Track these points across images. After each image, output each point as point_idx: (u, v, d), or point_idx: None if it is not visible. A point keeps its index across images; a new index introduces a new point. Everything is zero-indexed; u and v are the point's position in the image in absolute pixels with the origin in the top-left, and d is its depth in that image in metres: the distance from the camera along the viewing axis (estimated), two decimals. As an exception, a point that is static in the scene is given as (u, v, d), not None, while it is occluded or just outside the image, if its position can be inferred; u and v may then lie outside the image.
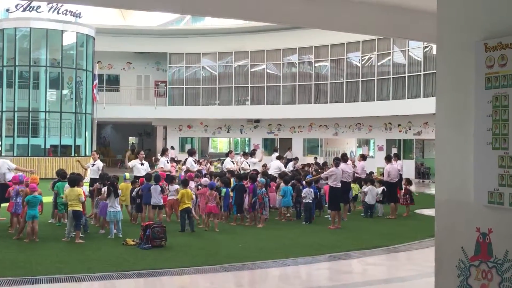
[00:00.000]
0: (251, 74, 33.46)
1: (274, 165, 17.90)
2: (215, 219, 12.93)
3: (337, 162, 14.13)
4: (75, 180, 11.58)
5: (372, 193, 15.54)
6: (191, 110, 34.02)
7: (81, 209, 11.30)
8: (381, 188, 15.80)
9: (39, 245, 10.56)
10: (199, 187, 14.12)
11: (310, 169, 19.47)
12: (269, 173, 16.78)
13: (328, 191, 13.98)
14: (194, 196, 13.23)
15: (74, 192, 11.22)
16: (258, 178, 14.33)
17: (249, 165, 18.64)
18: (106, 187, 11.99)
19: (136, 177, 14.53)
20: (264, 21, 13.56)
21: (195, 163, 17.75)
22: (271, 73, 33.23)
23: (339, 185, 13.79)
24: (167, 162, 17.27)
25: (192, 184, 14.22)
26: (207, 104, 34.43)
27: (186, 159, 18.14)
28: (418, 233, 12.58)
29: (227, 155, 19.46)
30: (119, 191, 12.06)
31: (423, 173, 29.23)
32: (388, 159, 16.33)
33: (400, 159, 17.93)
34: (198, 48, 34.19)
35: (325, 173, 14.79)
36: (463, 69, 4.29)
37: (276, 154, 22.05)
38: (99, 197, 12.56)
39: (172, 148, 28.44)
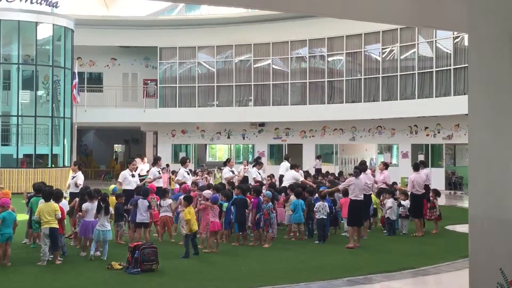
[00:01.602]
0: (254, 70, 33.49)
1: (289, 176, 17.51)
2: (216, 238, 12.89)
3: (357, 172, 14.13)
4: (51, 194, 11.58)
5: (394, 207, 15.49)
6: (185, 113, 34.04)
7: (58, 227, 11.28)
8: (406, 201, 15.76)
9: (11, 270, 10.55)
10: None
11: (324, 180, 19.45)
12: (283, 185, 16.66)
13: (349, 205, 13.95)
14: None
15: (50, 208, 11.22)
16: (264, 191, 14.31)
17: (260, 175, 18.57)
18: (91, 202, 12.00)
19: (126, 191, 14.53)
20: (268, 9, 13.55)
21: (188, 174, 17.69)
22: (277, 69, 33.25)
23: (361, 197, 13.80)
24: (159, 173, 17.26)
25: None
26: (204, 105, 34.46)
27: (178, 170, 18.10)
28: (449, 253, 12.54)
29: (225, 164, 19.44)
30: (110, 208, 12.05)
31: (454, 183, 29.15)
32: (416, 167, 16.25)
33: (426, 167, 17.82)
34: (193, 41, 34.25)
35: (342, 184, 14.76)
36: (500, 62, 4.27)
37: (287, 163, 21.98)
38: (80, 214, 12.56)
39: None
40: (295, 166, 17.84)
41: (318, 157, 31.22)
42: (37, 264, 10.93)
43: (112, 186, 14.97)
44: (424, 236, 15.20)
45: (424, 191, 15.91)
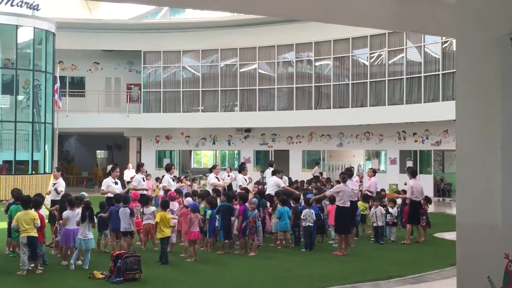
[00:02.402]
0: (240, 75, 33.52)
1: (271, 182, 17.48)
2: (194, 246, 12.88)
3: (344, 177, 14.18)
4: (29, 202, 11.50)
5: (381, 213, 15.55)
6: (169, 118, 33.99)
7: (37, 235, 11.20)
8: (394, 208, 15.87)
9: (-10, 280, 10.48)
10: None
11: (310, 186, 19.48)
12: (267, 192, 16.69)
13: (335, 212, 14.00)
14: (174, 221, 13.19)
15: (28, 216, 11.14)
16: (250, 198, 14.32)
17: (247, 182, 18.60)
18: (73, 210, 11.95)
19: (109, 199, 14.48)
20: (254, 13, 13.57)
21: (173, 180, 17.69)
22: (263, 73, 33.31)
23: (348, 204, 13.85)
24: (143, 180, 17.21)
25: (175, 205, 14.18)
26: (188, 110, 34.44)
27: (163, 176, 18.08)
28: (438, 261, 12.61)
29: (211, 170, 19.43)
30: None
31: (443, 190, 29.30)
32: (413, 173, 16.29)
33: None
34: (177, 45, 34.24)
35: (330, 190, 14.80)
36: (488, 67, 4.30)
37: (271, 169, 22.02)
38: (60, 222, 12.50)
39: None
40: (277, 172, 17.85)
41: (317, 164, 31.35)
42: (16, 274, 10.86)
43: (80, 194, 14.76)
44: (412, 244, 15.26)
45: (423, 197, 16.07)
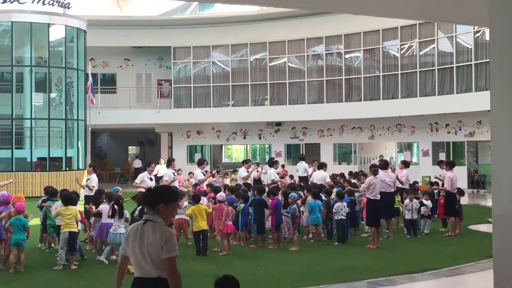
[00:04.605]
0: (270, 69, 33.49)
1: (319, 176, 17.82)
2: (228, 239, 12.95)
3: (375, 170, 14.10)
4: (71, 198, 11.68)
5: (416, 206, 15.41)
6: (200, 113, 34.11)
7: (77, 231, 11.42)
8: (429, 201, 15.75)
9: (26, 275, 10.64)
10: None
11: (342, 180, 19.40)
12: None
13: (366, 204, 13.95)
14: (210, 210, 13.30)
15: (69, 211, 11.32)
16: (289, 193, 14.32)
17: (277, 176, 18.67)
18: (107, 204, 12.09)
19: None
20: (284, 6, 13.53)
21: (204, 175, 17.80)
22: (293, 67, 33.23)
23: (378, 197, 13.77)
24: (173, 175, 17.34)
25: (204, 200, 14.24)
26: (219, 105, 34.52)
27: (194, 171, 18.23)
28: (473, 254, 12.48)
29: (243, 164, 19.46)
30: (125, 211, 12.13)
31: (477, 181, 28.96)
32: (452, 165, 16.11)
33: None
34: (207, 40, 34.31)
35: (363, 186, 14.71)
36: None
37: (304, 163, 22.00)
38: (93, 215, 12.69)
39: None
40: (323, 166, 17.97)
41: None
42: (53, 269, 11.02)
43: (113, 188, 14.97)
44: (445, 236, 15.11)
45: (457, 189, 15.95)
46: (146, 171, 15.89)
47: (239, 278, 10.87)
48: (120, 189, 14.60)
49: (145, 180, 15.52)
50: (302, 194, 15.46)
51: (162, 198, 5.24)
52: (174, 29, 34.57)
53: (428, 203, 15.72)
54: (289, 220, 13.75)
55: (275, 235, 13.71)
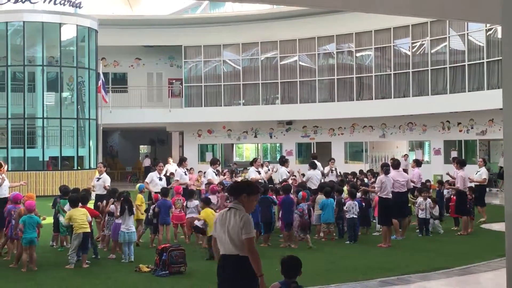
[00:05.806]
0: (281, 67, 33.46)
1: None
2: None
3: (386, 169, 14.06)
4: (78, 200, 11.70)
5: (427, 206, 15.35)
6: (211, 112, 34.14)
7: (90, 231, 11.47)
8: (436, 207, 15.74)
9: (39, 274, 10.70)
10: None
11: (354, 179, 19.37)
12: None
13: (378, 203, 13.92)
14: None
15: (80, 212, 11.36)
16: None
17: (289, 175, 18.70)
18: (118, 204, 12.13)
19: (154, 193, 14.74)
20: (294, 4, 13.52)
21: (216, 174, 17.81)
22: (304, 65, 33.18)
23: (390, 195, 13.74)
24: (185, 174, 17.38)
25: (213, 198, 14.25)
26: (230, 104, 34.54)
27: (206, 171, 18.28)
28: (485, 252, 12.42)
29: (251, 164, 19.38)
30: (134, 208, 12.18)
31: (489, 180, 28.77)
32: (463, 164, 16.05)
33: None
34: (218, 39, 34.34)
35: (376, 186, 14.65)
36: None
37: (314, 161, 21.95)
38: (108, 215, 12.72)
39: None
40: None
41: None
42: (65, 268, 11.08)
43: (138, 185, 15.18)
44: (457, 235, 15.05)
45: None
46: (156, 171, 15.99)
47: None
48: (144, 185, 14.86)
49: (153, 180, 15.60)
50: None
51: (245, 190, 6.32)
52: (185, 28, 34.62)
53: (436, 209, 15.68)
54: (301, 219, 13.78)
55: (286, 234, 13.68)
